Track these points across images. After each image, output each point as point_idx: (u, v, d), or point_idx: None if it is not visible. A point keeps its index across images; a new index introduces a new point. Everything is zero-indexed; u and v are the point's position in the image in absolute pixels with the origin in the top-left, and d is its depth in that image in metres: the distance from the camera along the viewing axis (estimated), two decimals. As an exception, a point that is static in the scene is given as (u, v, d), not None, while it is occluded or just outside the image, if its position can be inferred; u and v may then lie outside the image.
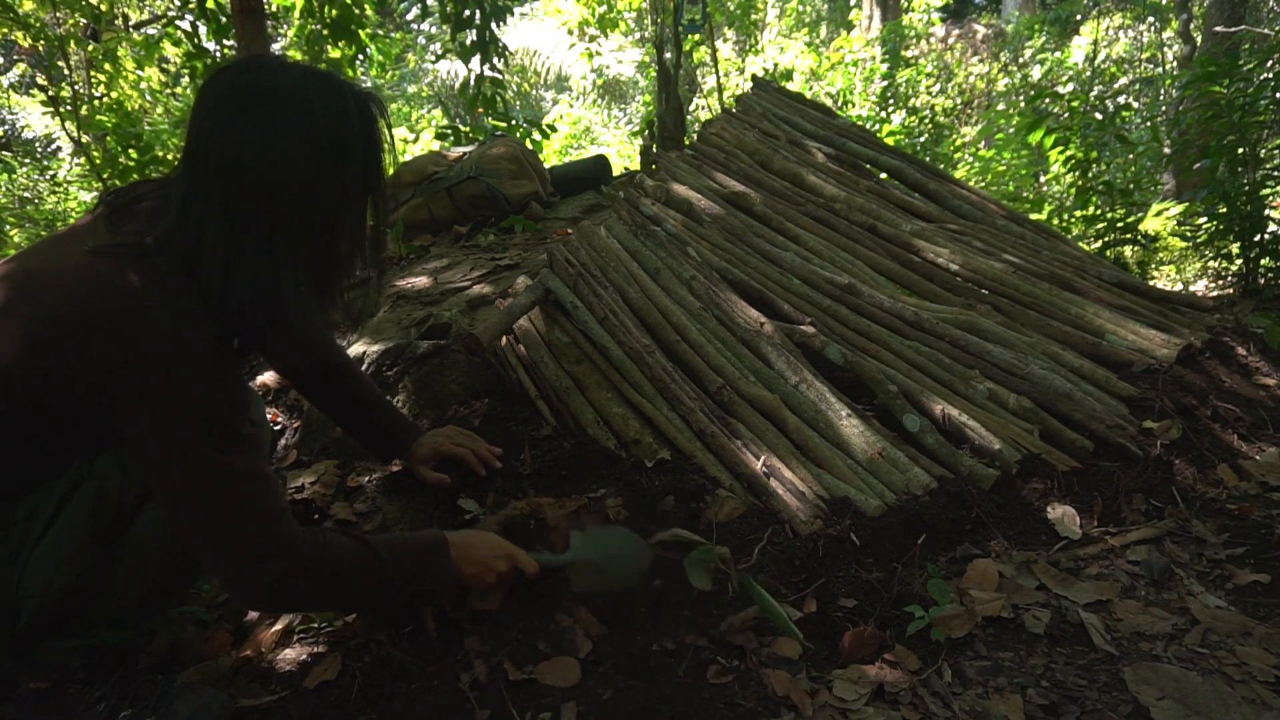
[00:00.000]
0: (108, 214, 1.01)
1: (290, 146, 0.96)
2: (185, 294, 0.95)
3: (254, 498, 0.98)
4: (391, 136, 1.09)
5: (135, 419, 0.93)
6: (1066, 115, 4.42)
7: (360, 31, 4.95)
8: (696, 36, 6.78)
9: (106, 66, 5.71)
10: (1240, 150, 3.29)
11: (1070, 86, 8.11)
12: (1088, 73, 8.58)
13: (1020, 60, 10.20)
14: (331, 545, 1.04)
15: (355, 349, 1.93)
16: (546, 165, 3.19)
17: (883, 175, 2.67)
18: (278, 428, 2.02)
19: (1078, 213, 4.38)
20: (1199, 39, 6.56)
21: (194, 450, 0.93)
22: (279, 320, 1.02)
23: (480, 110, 4.57)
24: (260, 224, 0.97)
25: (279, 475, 1.73)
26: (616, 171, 3.63)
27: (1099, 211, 4.17)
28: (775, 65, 8.81)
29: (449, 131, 4.57)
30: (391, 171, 2.86)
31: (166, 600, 1.19)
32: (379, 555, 1.06)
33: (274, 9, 5.70)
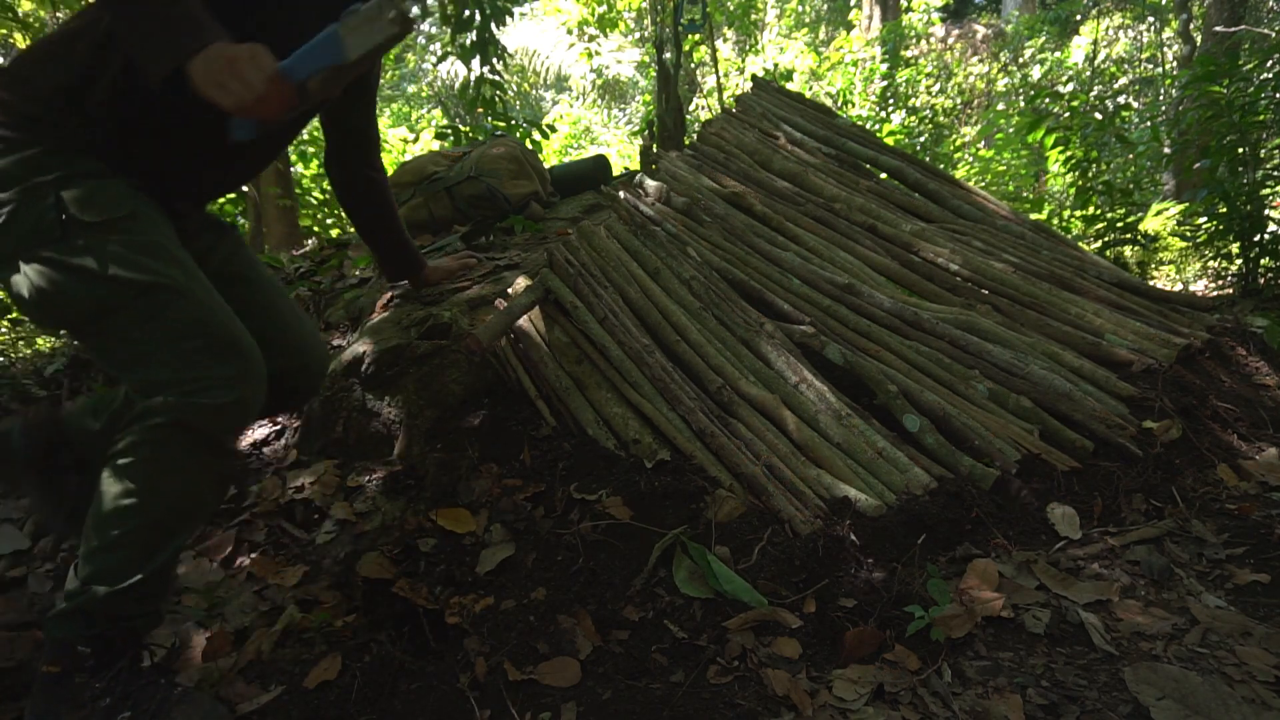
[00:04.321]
0: None
1: None
2: None
3: None
4: None
5: None
6: (1066, 115, 4.42)
7: (360, 32, 4.94)
8: (696, 36, 6.78)
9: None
10: (1240, 150, 3.29)
11: (1070, 86, 8.11)
12: (1088, 73, 8.58)
13: (1020, 60, 10.20)
14: None
15: (355, 349, 1.93)
16: (546, 165, 3.19)
17: (883, 175, 2.67)
18: (278, 427, 2.02)
19: (1078, 213, 4.38)
20: (1199, 39, 6.56)
21: None
22: None
23: (480, 110, 4.56)
24: None
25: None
26: (616, 171, 3.63)
27: (1099, 211, 4.17)
28: (775, 65, 8.81)
29: (449, 131, 4.57)
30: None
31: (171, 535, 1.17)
32: None
33: (274, 9, 5.68)
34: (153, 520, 1.16)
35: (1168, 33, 9.45)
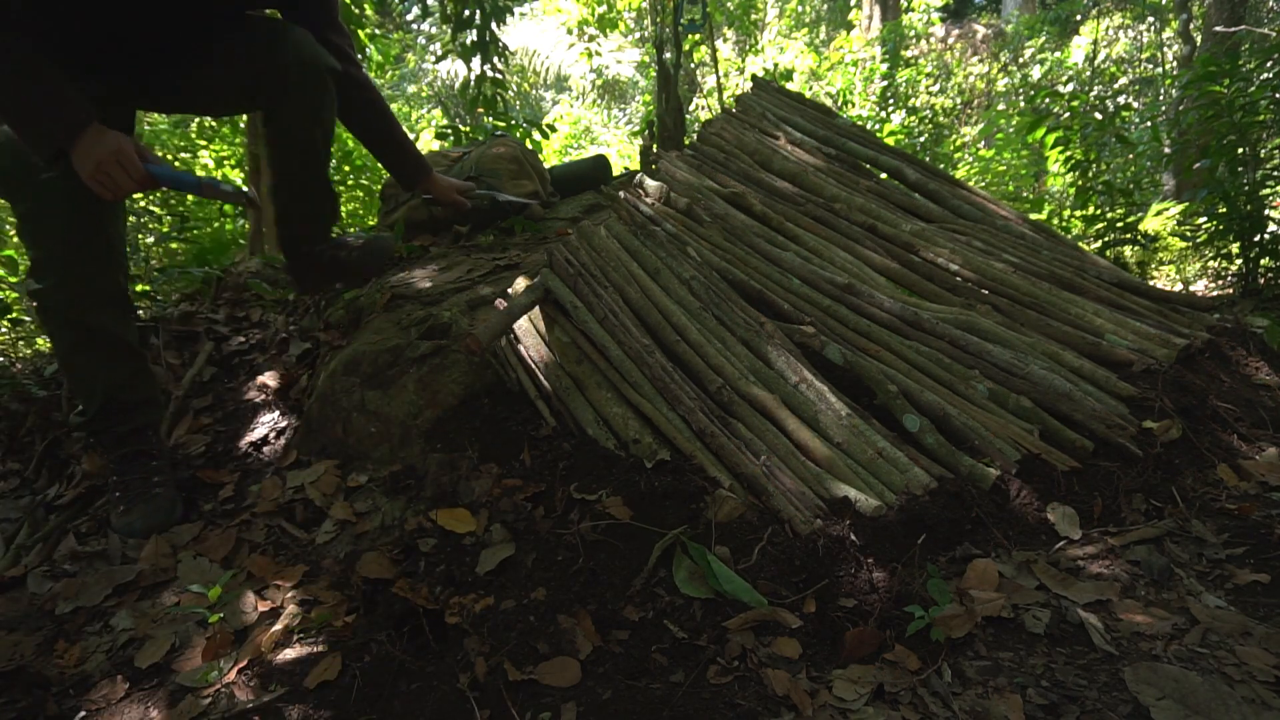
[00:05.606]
0: None
1: None
2: None
3: None
4: None
5: None
6: (1066, 115, 4.42)
7: (360, 31, 4.95)
8: (696, 36, 6.78)
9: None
10: (1240, 150, 3.29)
11: (1070, 86, 8.11)
12: (1088, 73, 8.58)
13: (1020, 60, 10.20)
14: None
15: (355, 348, 1.93)
16: (546, 165, 3.18)
17: (883, 175, 2.67)
18: (281, 427, 2.02)
19: (1078, 213, 4.38)
20: (1199, 39, 6.56)
21: None
22: None
23: (480, 110, 4.55)
24: None
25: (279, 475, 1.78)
26: (616, 171, 3.62)
27: (1099, 211, 4.17)
28: (775, 65, 8.81)
29: (449, 131, 4.56)
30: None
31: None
32: (11, 81, 1.31)
33: (274, 9, 5.68)
34: (71, 377, 1.70)
35: (1168, 33, 9.45)
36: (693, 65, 9.30)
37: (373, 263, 1.90)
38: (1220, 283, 3.82)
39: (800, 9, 12.41)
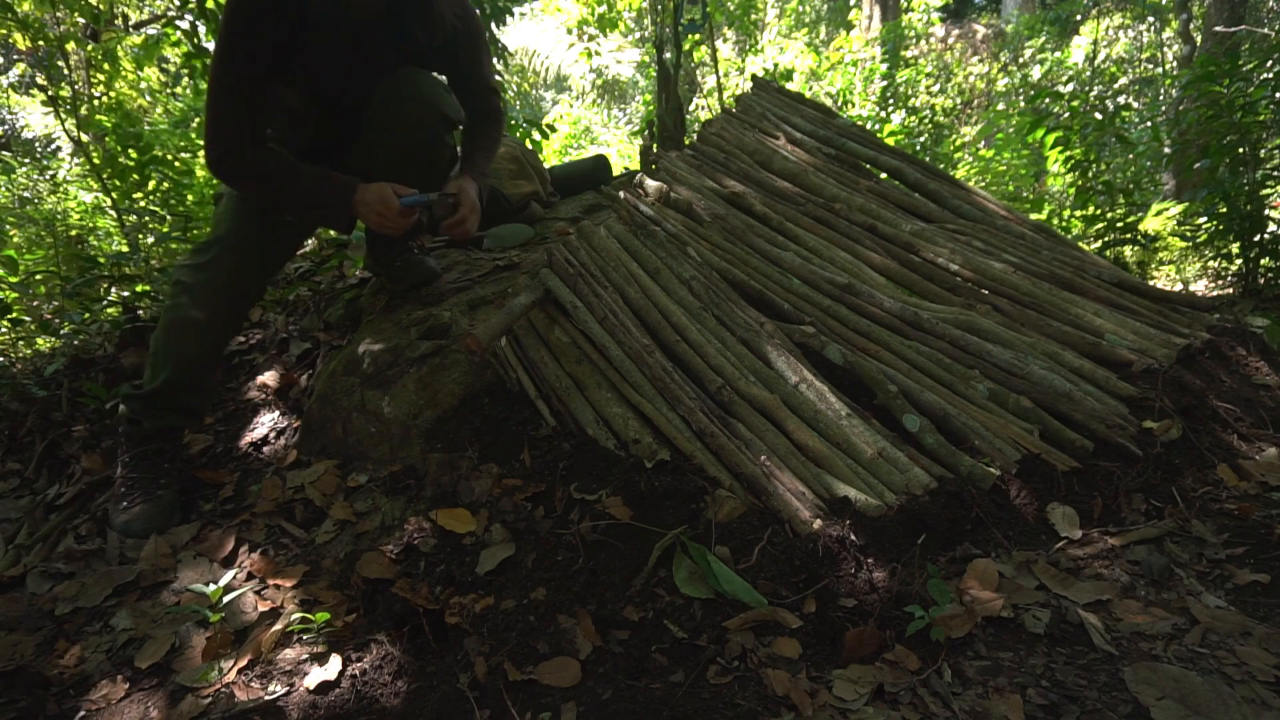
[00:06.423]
0: None
1: None
2: None
3: (222, 105, 1.55)
4: None
5: None
6: (1066, 115, 4.42)
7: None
8: (696, 36, 6.77)
9: (106, 66, 5.69)
10: (1240, 150, 3.29)
11: (1070, 86, 8.11)
12: (1088, 73, 8.58)
13: (1020, 60, 10.20)
14: (262, 166, 1.61)
15: (355, 348, 1.93)
16: (546, 165, 3.18)
17: (883, 175, 2.67)
18: (281, 427, 2.02)
19: (1078, 213, 4.38)
20: (1199, 39, 6.56)
21: (213, 59, 1.52)
22: None
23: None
24: None
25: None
26: (616, 171, 3.62)
27: (1099, 211, 4.17)
28: (775, 65, 8.80)
29: (449, 131, 4.55)
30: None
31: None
32: (297, 187, 1.65)
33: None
34: (158, 347, 1.74)
35: (1168, 33, 9.46)
36: (693, 65, 9.29)
37: (411, 277, 2.18)
38: (1220, 283, 3.82)
39: (800, 9, 12.40)
